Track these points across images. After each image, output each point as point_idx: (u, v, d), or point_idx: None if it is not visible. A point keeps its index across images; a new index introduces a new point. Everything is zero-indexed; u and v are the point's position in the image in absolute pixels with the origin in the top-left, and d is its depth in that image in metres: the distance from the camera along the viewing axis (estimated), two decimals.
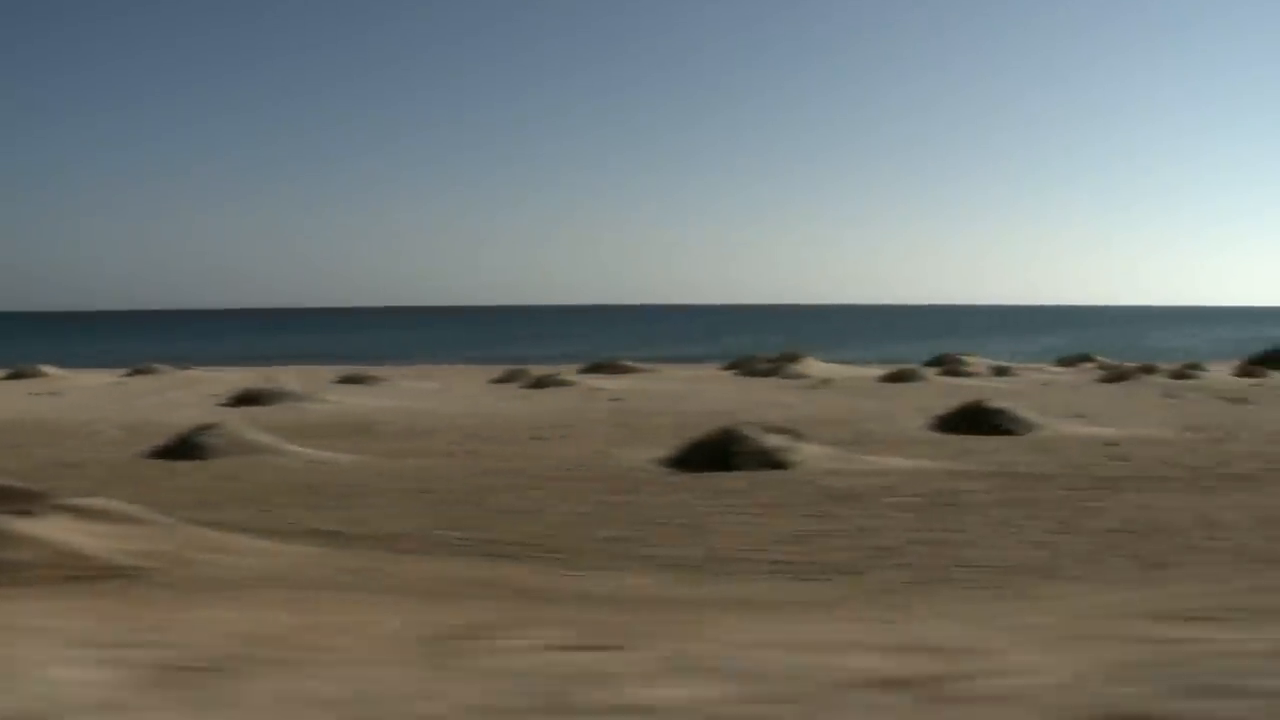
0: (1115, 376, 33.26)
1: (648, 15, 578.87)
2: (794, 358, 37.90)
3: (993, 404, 20.06)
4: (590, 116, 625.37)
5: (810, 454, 15.98)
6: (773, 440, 16.11)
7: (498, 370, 36.27)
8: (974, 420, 19.84)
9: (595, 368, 38.20)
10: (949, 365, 38.59)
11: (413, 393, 30.95)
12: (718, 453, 15.84)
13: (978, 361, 40.34)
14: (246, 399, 27.41)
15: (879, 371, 34.69)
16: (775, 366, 36.33)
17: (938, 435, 19.76)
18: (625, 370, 38.14)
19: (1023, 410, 20.59)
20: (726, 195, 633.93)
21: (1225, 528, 11.45)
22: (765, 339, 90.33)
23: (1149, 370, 34.65)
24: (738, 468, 15.25)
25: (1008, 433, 19.37)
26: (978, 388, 27.50)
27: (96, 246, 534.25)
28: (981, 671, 4.17)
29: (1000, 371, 36.92)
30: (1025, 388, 29.96)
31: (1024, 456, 16.91)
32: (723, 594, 8.83)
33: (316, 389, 29.57)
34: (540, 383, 31.73)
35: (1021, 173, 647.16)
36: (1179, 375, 33.55)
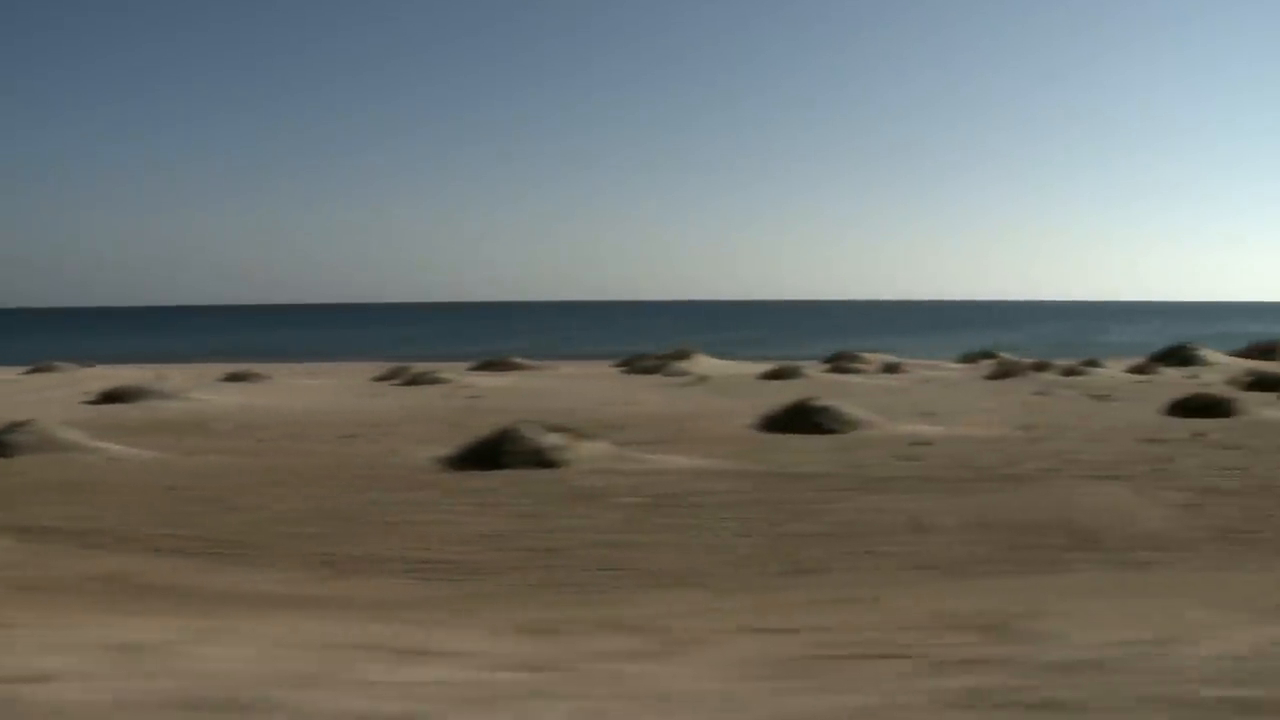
0: (1002, 373, 33.10)
1: (648, 13, 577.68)
2: (684, 355, 37.78)
3: (817, 403, 19.81)
4: (590, 114, 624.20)
5: (585, 453, 15.83)
6: (549, 439, 15.94)
7: (384, 368, 36.02)
8: (798, 419, 19.62)
9: (486, 365, 38.06)
10: (840, 362, 38.42)
11: (288, 389, 30.81)
12: (492, 452, 15.71)
13: (875, 358, 40.18)
14: (112, 396, 27.27)
15: (765, 368, 34.50)
16: (660, 364, 36.20)
17: (760, 434, 19.55)
18: (513, 367, 37.98)
19: (857, 410, 20.38)
20: (727, 192, 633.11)
21: (929, 531, 11.26)
22: (743, 333, 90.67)
23: (1041, 367, 34.50)
24: (507, 466, 15.15)
25: (829, 431, 19.14)
26: (848, 384, 27.36)
27: (95, 242, 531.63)
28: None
29: (890, 368, 36.76)
30: (895, 384, 29.82)
31: (819, 456, 16.72)
32: (299, 592, 8.66)
33: (190, 387, 29.44)
34: (415, 380, 31.61)
35: (1022, 170, 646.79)
36: (1070, 372, 33.37)
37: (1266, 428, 20.46)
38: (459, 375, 33.51)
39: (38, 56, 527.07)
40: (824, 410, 19.59)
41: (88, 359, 46.25)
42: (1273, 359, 40.47)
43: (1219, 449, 17.56)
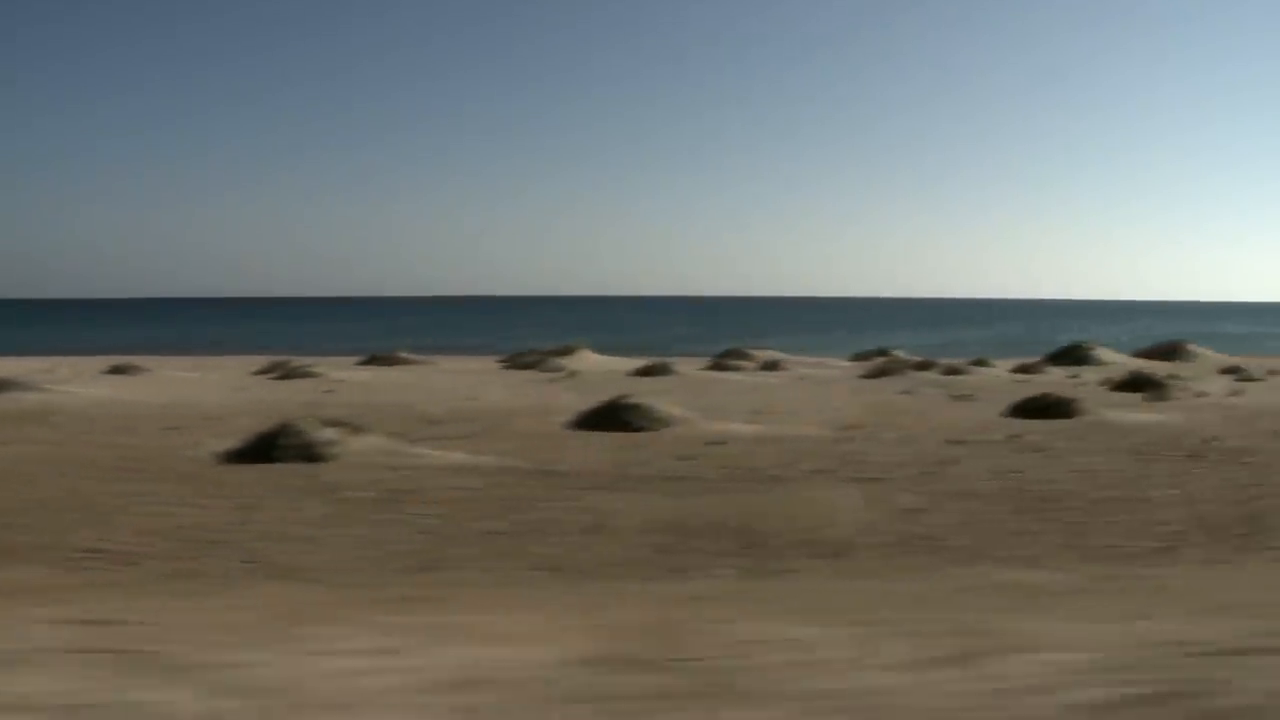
0: (879, 372, 32.77)
1: (649, 9, 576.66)
2: (568, 351, 37.42)
3: (629, 401, 19.41)
4: (591, 110, 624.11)
5: (357, 447, 15.72)
6: (325, 434, 15.71)
7: (267, 362, 35.57)
8: (608, 417, 19.23)
9: (372, 359, 37.73)
10: (723, 359, 38.03)
11: (162, 382, 30.44)
12: (266, 446, 15.52)
13: (762, 355, 39.81)
14: None
15: (637, 364, 34.18)
16: (540, 360, 35.84)
17: (570, 431, 19.24)
18: (398, 362, 37.59)
19: (674, 408, 20.04)
20: (728, 188, 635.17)
21: (602, 532, 11.00)
22: (713, 330, 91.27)
23: (925, 366, 34.20)
24: (278, 460, 15.15)
25: (636, 429, 18.80)
26: (712, 381, 27.06)
27: (96, 234, 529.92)
28: None
29: (770, 365, 36.42)
30: (762, 381, 29.59)
31: (601, 454, 16.68)
32: None
33: (71, 379, 29.26)
34: (289, 374, 31.16)
35: (1023, 168, 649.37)
36: (952, 371, 33.06)
37: (1096, 430, 20.25)
38: (334, 370, 33.06)
39: (37, 50, 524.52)
40: (635, 408, 19.26)
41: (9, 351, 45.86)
42: (1172, 359, 40.24)
43: (1022, 451, 17.37)
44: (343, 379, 30.20)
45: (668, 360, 33.76)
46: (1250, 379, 32.57)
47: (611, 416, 19.34)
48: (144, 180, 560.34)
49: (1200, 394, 27.53)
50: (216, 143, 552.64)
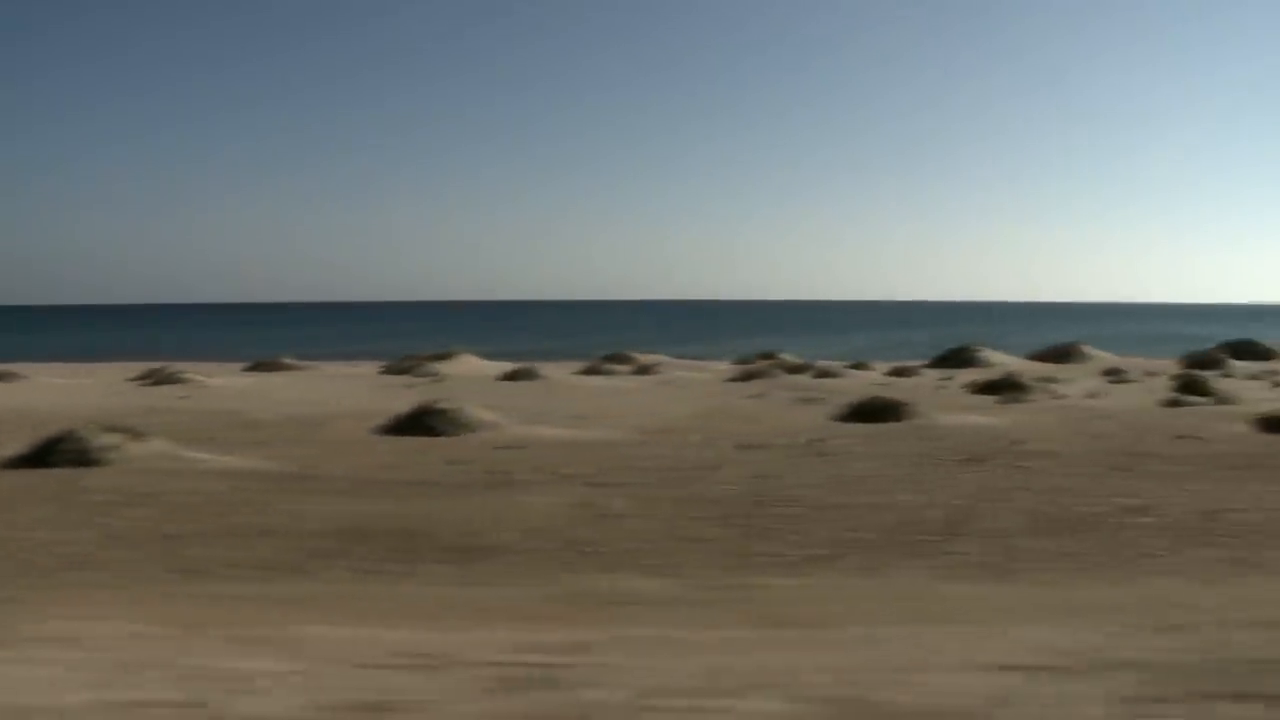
0: (748, 375, 32.93)
1: (645, 13, 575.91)
2: (446, 356, 37.55)
3: (439, 406, 19.49)
4: (585, 115, 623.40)
5: (139, 452, 16.19)
6: (103, 440, 15.77)
7: (144, 368, 35.56)
8: (415, 423, 19.32)
9: (256, 365, 37.98)
10: (601, 362, 38.16)
11: (33, 388, 30.52)
12: (48, 450, 15.69)
13: (644, 359, 39.97)
14: None
15: (506, 369, 34.39)
16: (415, 365, 36.00)
17: (374, 437, 19.33)
18: (280, 368, 37.86)
19: (488, 413, 20.18)
20: (724, 192, 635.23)
21: (283, 534, 11.17)
22: (665, 334, 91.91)
23: (799, 369, 34.39)
24: (54, 465, 15.37)
25: (440, 434, 18.94)
26: (563, 385, 27.17)
27: (95, 241, 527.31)
28: None
29: (643, 370, 36.62)
30: (619, 386, 29.84)
31: (379, 459, 16.70)
32: None
33: None
34: (162, 380, 31.27)
35: (1021, 171, 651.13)
36: (824, 374, 33.28)
37: (912, 433, 20.44)
38: (213, 376, 33.10)
39: (36, 56, 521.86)
40: (442, 414, 19.30)
41: None
42: (1063, 361, 40.48)
43: (806, 457, 17.49)
44: (211, 385, 30.28)
45: (536, 365, 33.89)
46: (1124, 381, 32.80)
47: (417, 422, 19.39)
48: (140, 185, 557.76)
49: (1060, 396, 27.74)
50: (214, 148, 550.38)
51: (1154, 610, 8.05)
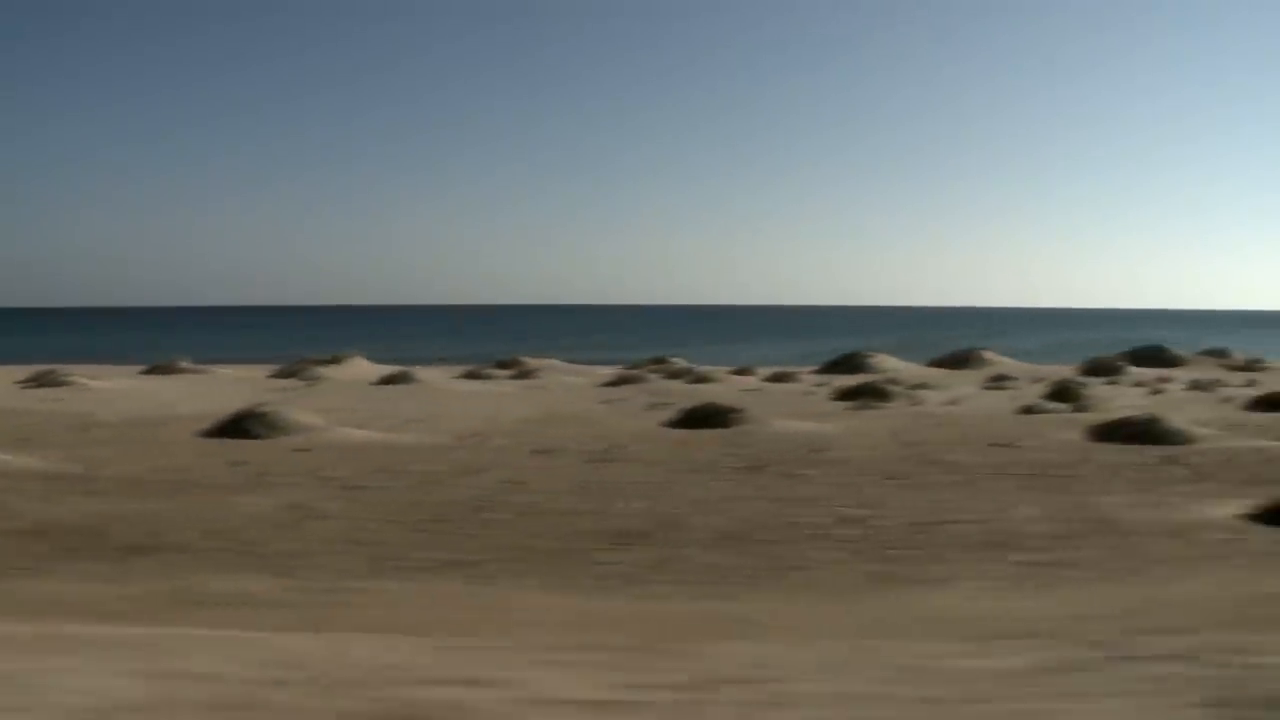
0: (618, 380, 33.58)
1: (648, 18, 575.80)
2: (336, 360, 38.45)
3: (260, 410, 19.96)
4: (588, 120, 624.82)
5: None
6: None
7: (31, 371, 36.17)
8: (236, 426, 19.81)
9: (154, 369, 39.05)
10: (481, 366, 38.77)
11: None
12: None
13: (534, 363, 40.54)
14: None
15: (387, 372, 35.01)
16: (302, 368, 36.81)
17: (198, 440, 19.83)
18: (175, 371, 38.88)
19: (309, 416, 20.64)
20: (727, 197, 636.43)
21: None
22: (618, 338, 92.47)
23: (677, 375, 34.98)
24: None
25: (256, 437, 19.38)
26: (436, 390, 27.51)
27: (96, 242, 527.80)
28: None
29: (523, 374, 37.28)
30: (492, 390, 30.22)
31: (171, 461, 17.13)
32: None
33: None
34: (46, 383, 32.11)
35: (1019, 176, 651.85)
36: (700, 380, 33.83)
37: (730, 440, 20.77)
38: (104, 378, 33.59)
39: (37, 58, 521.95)
40: (260, 417, 19.73)
41: None
42: (963, 367, 40.95)
43: (592, 463, 17.84)
44: (93, 387, 30.85)
45: (411, 369, 34.52)
46: (1000, 387, 33.33)
47: (237, 426, 19.87)
48: (142, 188, 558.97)
49: (918, 402, 28.23)
50: (215, 152, 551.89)
51: (673, 627, 8.51)
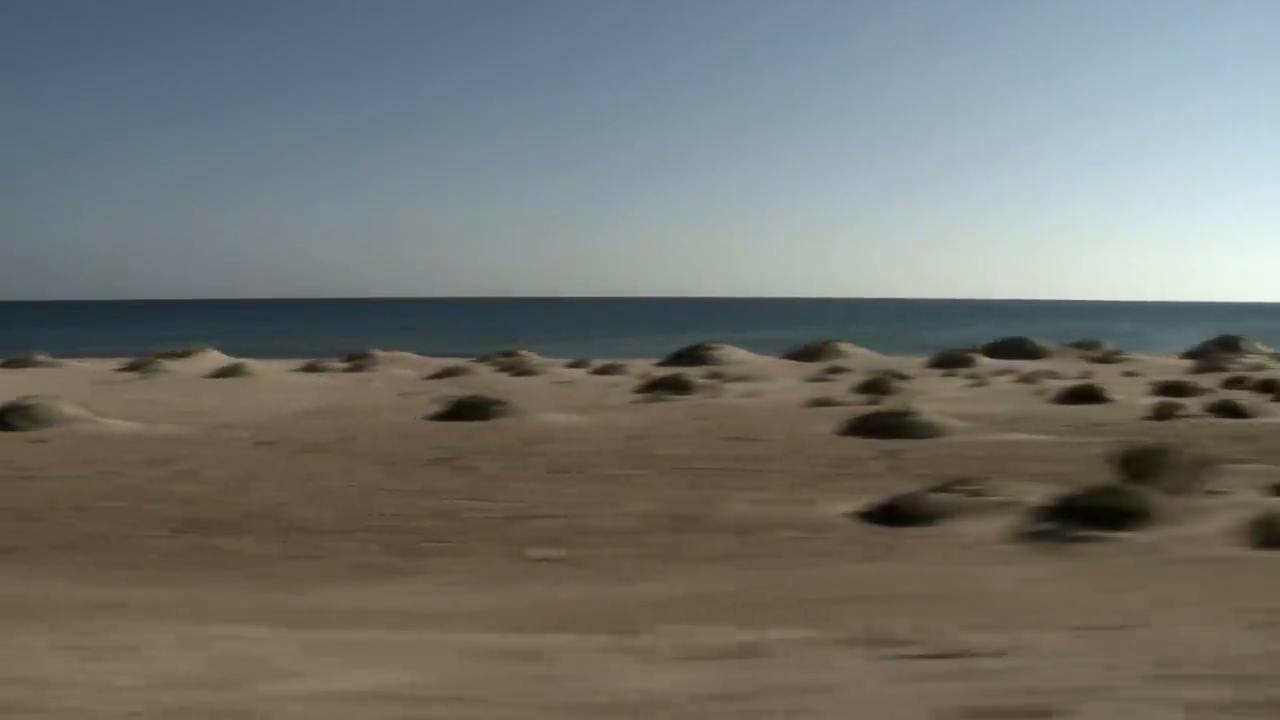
0: (442, 373, 35.21)
1: (644, 11, 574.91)
2: (186, 353, 39.80)
3: (25, 403, 21.61)
4: (585, 113, 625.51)
5: None
6: None
7: None
8: (2, 419, 21.42)
9: (10, 362, 40.57)
10: (318, 360, 40.38)
11: None
12: None
13: (391, 354, 42.16)
14: None
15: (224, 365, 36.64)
16: (148, 361, 38.24)
17: None
18: (28, 364, 40.30)
19: (81, 409, 22.19)
20: (723, 189, 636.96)
21: None
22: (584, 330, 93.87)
23: (508, 368, 36.63)
24: None
25: (15, 429, 20.98)
26: (269, 382, 29.02)
27: (94, 236, 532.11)
28: None
29: (357, 367, 38.94)
30: (290, 383, 31.64)
31: None
32: None
33: None
34: None
35: (1015, 171, 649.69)
36: (523, 373, 35.57)
37: (465, 434, 22.02)
38: None
39: (36, 51, 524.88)
40: (25, 410, 21.37)
41: None
42: (817, 359, 42.20)
43: (299, 454, 19.35)
44: None
45: (247, 362, 36.13)
46: (822, 380, 34.69)
47: (2, 418, 21.58)
48: (140, 181, 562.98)
49: (717, 395, 29.64)
50: (213, 144, 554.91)
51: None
